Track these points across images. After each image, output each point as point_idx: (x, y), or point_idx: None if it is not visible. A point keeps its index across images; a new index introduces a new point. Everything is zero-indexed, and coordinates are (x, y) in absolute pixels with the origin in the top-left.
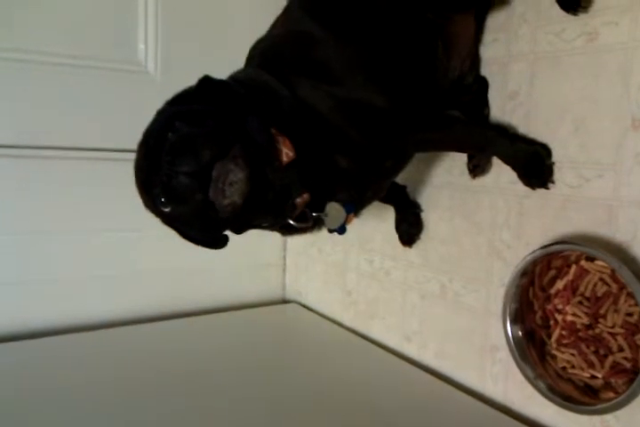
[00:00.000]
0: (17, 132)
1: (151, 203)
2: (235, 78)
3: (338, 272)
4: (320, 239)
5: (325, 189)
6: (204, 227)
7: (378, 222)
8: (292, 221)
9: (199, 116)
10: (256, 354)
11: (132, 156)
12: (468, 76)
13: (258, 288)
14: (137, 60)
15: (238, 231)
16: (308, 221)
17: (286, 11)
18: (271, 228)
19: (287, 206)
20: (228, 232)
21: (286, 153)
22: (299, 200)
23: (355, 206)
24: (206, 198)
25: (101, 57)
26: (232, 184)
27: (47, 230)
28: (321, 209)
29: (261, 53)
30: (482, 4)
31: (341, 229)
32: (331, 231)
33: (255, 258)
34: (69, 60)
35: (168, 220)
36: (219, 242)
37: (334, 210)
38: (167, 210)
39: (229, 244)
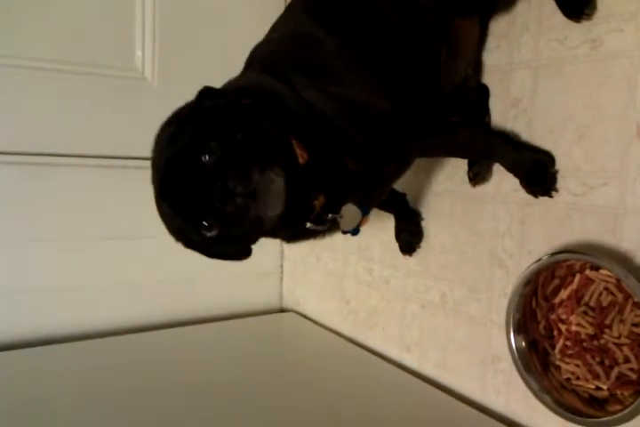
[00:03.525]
0: (12, 138)
1: (192, 232)
2: (237, 86)
3: (336, 281)
4: (318, 247)
5: (338, 190)
6: (248, 241)
7: (377, 231)
8: (308, 224)
9: (226, 133)
10: (253, 363)
11: (130, 163)
12: (471, 80)
13: (255, 297)
14: (134, 66)
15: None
16: (324, 224)
17: (286, 14)
18: (286, 235)
19: (309, 209)
20: None
21: (301, 154)
22: (316, 202)
23: (366, 208)
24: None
25: (99, 64)
26: (277, 195)
27: (43, 239)
28: (334, 211)
29: (263, 57)
30: (484, 8)
31: (355, 231)
32: (344, 233)
33: (252, 267)
34: (66, 66)
35: (202, 244)
36: (249, 253)
37: (350, 211)
38: (211, 234)
39: None
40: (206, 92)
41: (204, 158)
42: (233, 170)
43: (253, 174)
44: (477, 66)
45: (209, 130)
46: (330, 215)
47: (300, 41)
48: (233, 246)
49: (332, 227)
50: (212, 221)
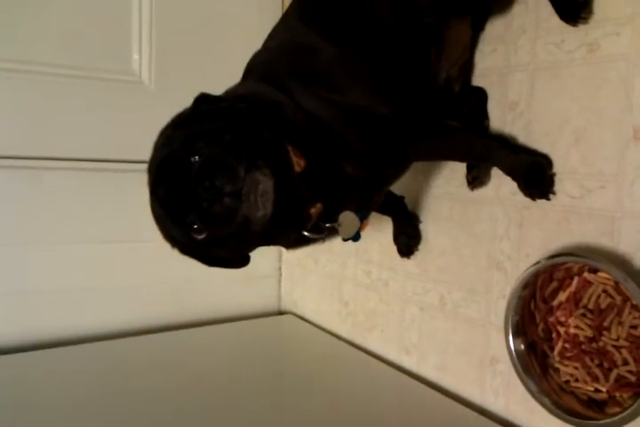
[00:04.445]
0: (8, 142)
1: (182, 234)
2: (236, 94)
3: (334, 283)
4: (316, 250)
5: (336, 198)
6: (240, 245)
7: (375, 233)
8: (306, 233)
9: (215, 134)
10: (252, 366)
11: (128, 166)
12: (455, 83)
13: (253, 300)
14: (131, 70)
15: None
16: (322, 232)
17: (283, 21)
18: (284, 242)
19: (304, 217)
20: None
21: (297, 162)
22: (312, 210)
23: (366, 213)
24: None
25: (96, 67)
26: (263, 195)
27: (40, 242)
28: (332, 219)
29: (261, 65)
30: (480, 10)
31: (356, 237)
32: (345, 240)
33: (251, 269)
34: (63, 69)
35: (194, 247)
36: (247, 260)
37: (348, 218)
38: (201, 237)
39: None
40: (202, 99)
41: (193, 159)
42: (218, 169)
43: (240, 174)
44: (464, 70)
45: (199, 131)
46: (327, 224)
47: (297, 49)
48: (226, 251)
49: (331, 234)
50: (198, 221)
